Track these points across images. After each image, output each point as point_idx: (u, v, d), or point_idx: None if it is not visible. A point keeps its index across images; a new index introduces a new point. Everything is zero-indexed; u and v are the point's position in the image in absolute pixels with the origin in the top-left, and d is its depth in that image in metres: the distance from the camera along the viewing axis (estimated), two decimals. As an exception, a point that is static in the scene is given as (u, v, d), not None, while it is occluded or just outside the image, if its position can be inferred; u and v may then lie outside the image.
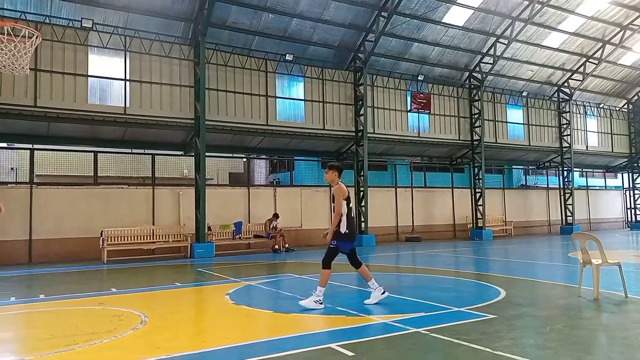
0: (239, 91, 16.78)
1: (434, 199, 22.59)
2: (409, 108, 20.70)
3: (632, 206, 28.96)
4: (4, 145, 16.47)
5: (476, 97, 22.20)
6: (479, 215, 22.04)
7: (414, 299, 7.28)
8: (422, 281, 9.47)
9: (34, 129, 14.53)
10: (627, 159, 28.74)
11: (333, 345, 4.52)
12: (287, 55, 17.51)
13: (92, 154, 15.68)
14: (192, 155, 16.08)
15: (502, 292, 7.39)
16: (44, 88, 13.78)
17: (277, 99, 17.70)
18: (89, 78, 14.49)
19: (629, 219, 29.15)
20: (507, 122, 24.00)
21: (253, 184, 21.60)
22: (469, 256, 14.57)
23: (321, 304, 6.31)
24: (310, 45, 18.06)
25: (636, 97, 28.45)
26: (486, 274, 10.52)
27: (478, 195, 22.17)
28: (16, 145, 16.47)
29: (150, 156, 16.59)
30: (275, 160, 26.01)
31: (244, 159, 22.71)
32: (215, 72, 16.36)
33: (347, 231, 6.49)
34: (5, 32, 7.02)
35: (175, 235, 15.58)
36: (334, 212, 6.50)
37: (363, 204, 18.75)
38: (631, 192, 29.15)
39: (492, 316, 5.72)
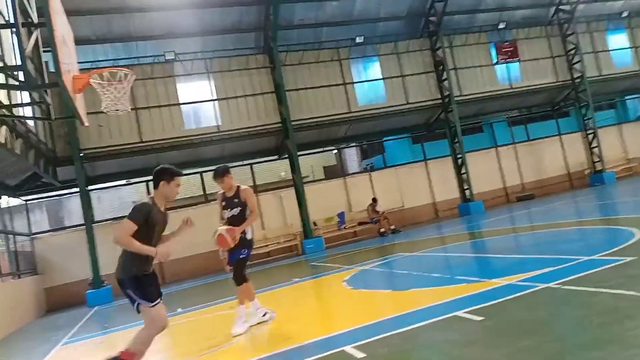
0: (317, 85, 16.98)
1: (541, 151, 20.99)
2: (495, 61, 19.47)
3: None
4: (123, 182, 18.28)
5: (569, 32, 20.23)
6: (596, 159, 20.12)
7: (537, 255, 6.85)
8: (543, 237, 8.87)
9: (145, 163, 15.92)
10: None
11: (459, 313, 4.40)
12: (357, 38, 17.35)
13: (199, 174, 16.80)
14: (286, 158, 16.62)
15: (637, 232, 6.68)
16: (145, 124, 15.06)
17: (355, 85, 17.63)
18: (181, 106, 15.57)
19: None
20: (610, 50, 21.58)
21: (347, 173, 21.73)
22: (592, 203, 13.38)
23: (264, 315, 5.75)
24: (379, 22, 17.72)
25: None
26: (615, 217, 9.59)
27: (591, 137, 20.24)
28: (132, 180, 18.16)
29: (249, 166, 17.39)
30: (364, 146, 25.93)
31: (334, 151, 22.94)
32: (292, 72, 16.70)
33: (252, 237, 5.79)
34: (105, 78, 7.82)
35: (285, 236, 16.21)
36: (244, 218, 5.57)
37: (463, 170, 18.02)
38: None
39: (631, 258, 5.18)
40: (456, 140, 18.11)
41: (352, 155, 27.96)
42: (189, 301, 9.30)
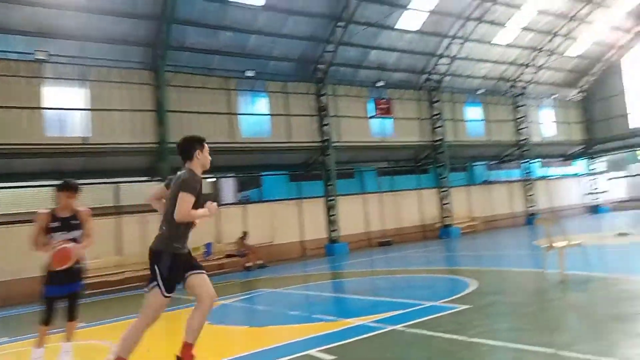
0: (202, 111, 16.66)
1: (402, 202, 22.87)
2: (371, 114, 21.04)
3: (591, 191, 30.09)
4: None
5: (435, 99, 22.75)
6: (446, 214, 22.48)
7: (389, 298, 7.37)
8: (396, 281, 9.59)
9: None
10: (581, 146, 29.92)
11: (312, 352, 4.54)
12: (247, 71, 17.55)
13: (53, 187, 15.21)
14: (158, 180, 15.82)
15: (473, 283, 7.58)
16: (-1, 124, 13.35)
17: (240, 116, 17.69)
18: (44, 111, 14.12)
19: (588, 204, 30.23)
20: (466, 120, 24.67)
21: (221, 203, 21.37)
22: (440, 254, 14.84)
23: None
24: (271, 60, 18.16)
25: (586, 86, 29.72)
26: (457, 268, 10.76)
27: (444, 194, 22.63)
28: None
29: (114, 185, 16.21)
30: (243, 178, 25.85)
31: (211, 180, 22.49)
32: (177, 94, 16.20)
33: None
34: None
35: (145, 263, 15.15)
36: (80, 241, 4.93)
37: (333, 212, 18.86)
38: (588, 178, 30.29)
39: (465, 306, 5.86)
40: (330, 182, 18.97)
41: (228, 186, 27.62)
42: (17, 329, 8.19)
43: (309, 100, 19.21)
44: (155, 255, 3.97)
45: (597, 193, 29.98)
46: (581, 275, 7.04)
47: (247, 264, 15.82)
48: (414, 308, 6.12)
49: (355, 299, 7.88)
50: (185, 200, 3.84)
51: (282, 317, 6.80)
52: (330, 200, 18.96)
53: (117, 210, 15.91)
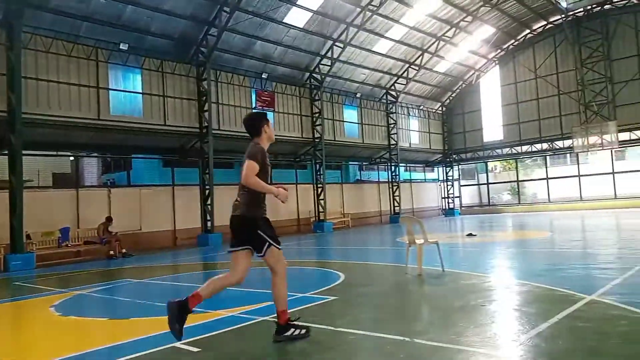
0: (64, 81, 15.00)
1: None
2: (254, 106, 20.84)
3: (446, 196, 33.52)
4: None
5: (316, 97, 23.34)
6: (320, 209, 23.25)
7: (261, 290, 7.35)
8: (268, 273, 9.61)
9: None
10: (441, 155, 33.13)
11: (177, 344, 4.34)
12: (121, 44, 16.20)
13: None
14: (5, 154, 13.87)
15: (341, 275, 7.92)
16: None
17: (110, 92, 16.26)
18: None
19: (444, 207, 33.65)
20: (344, 121, 25.73)
21: (83, 185, 19.56)
22: (312, 247, 15.29)
23: None
24: (149, 35, 16.98)
25: (448, 101, 32.94)
26: (327, 261, 11.16)
27: (319, 190, 23.37)
28: None
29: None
30: (109, 159, 23.88)
31: (71, 158, 20.40)
32: (35, 58, 14.37)
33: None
34: None
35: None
36: None
37: (209, 202, 18.32)
38: (445, 183, 33.71)
39: (333, 298, 6.09)
40: (207, 171, 18.38)
41: (92, 166, 25.31)
42: None
43: (188, 83, 18.40)
44: (250, 220, 4.38)
45: (451, 197, 33.41)
46: (436, 270, 7.76)
47: (111, 252, 14.67)
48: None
49: (226, 290, 7.73)
50: (249, 167, 4.16)
51: (148, 308, 6.42)
52: (207, 189, 18.37)
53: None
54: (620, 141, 25.71)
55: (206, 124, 18.31)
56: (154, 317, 5.79)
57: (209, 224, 18.18)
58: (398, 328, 4.52)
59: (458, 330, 4.31)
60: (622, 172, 28.12)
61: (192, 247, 17.48)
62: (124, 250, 14.97)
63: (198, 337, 4.54)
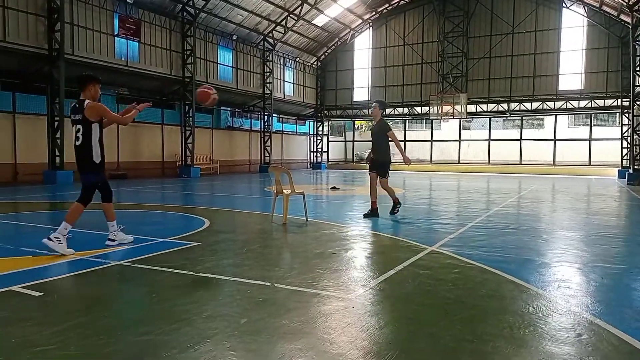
0: None
1: (142, 134, 21.65)
2: (116, 32, 18.81)
3: (314, 150, 34.61)
4: None
5: (189, 33, 21.88)
6: (187, 154, 22.37)
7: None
8: (127, 217, 9.06)
9: None
10: (313, 109, 33.85)
11: (16, 288, 3.91)
12: None
13: None
14: None
15: (206, 222, 7.79)
16: None
17: None
18: None
19: (312, 160, 34.79)
20: (218, 63, 24.65)
21: None
22: (177, 192, 14.75)
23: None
24: None
25: (323, 56, 33.40)
26: (192, 207, 10.89)
27: (188, 133, 22.39)
28: None
29: None
30: None
31: None
32: None
33: (101, 160, 5.59)
34: None
35: None
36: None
37: (58, 135, 16.39)
38: (315, 137, 34.70)
39: (195, 243, 5.98)
40: (57, 100, 16.32)
41: None
42: None
43: (37, -5, 15.85)
44: (384, 164, 8.58)
45: (319, 152, 34.60)
46: (300, 220, 8.05)
47: None
48: (143, 244, 5.91)
49: (76, 233, 7.12)
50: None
51: (-25, 250, 5.63)
52: (56, 120, 16.36)
53: None
54: (468, 112, 28.83)
55: (57, 47, 16.09)
56: (-15, 259, 5.12)
57: (57, 159, 16.36)
58: (259, 273, 4.63)
59: (315, 275, 4.56)
60: (467, 140, 31.77)
61: (37, 184, 15.67)
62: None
63: (40, 281, 4.14)
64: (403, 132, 33.16)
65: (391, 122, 35.19)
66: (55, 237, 5.18)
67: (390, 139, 8.64)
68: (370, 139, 8.88)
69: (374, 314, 3.55)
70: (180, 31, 21.85)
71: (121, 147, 20.38)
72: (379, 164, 8.65)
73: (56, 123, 16.37)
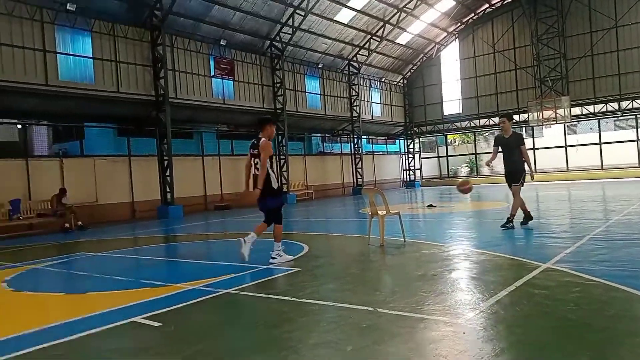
0: (7, 43, 14.00)
1: (241, 166, 22.70)
2: (212, 73, 20.23)
3: (407, 168, 34.06)
4: None
5: (277, 66, 22.88)
6: (283, 181, 23.13)
7: (224, 262, 7.29)
8: (232, 245, 9.51)
9: None
10: (402, 127, 33.47)
11: (137, 319, 4.22)
12: (68, 4, 15.20)
13: None
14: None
15: (305, 247, 7.92)
16: None
17: (58, 55, 15.33)
18: None
19: (405, 179, 34.23)
20: (306, 92, 25.43)
21: (32, 155, 18.61)
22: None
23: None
24: (98, -4, 16.02)
25: (409, 73, 33.09)
26: (291, 233, 11.13)
27: (282, 162, 23.19)
28: None
29: None
30: (60, 127, 22.76)
31: (19, 126, 19.30)
32: (-28, 18, 13.32)
33: (279, 185, 6.69)
34: None
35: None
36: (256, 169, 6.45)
37: (168, 173, 17.83)
38: (406, 156, 34.19)
39: (297, 269, 6.08)
40: (165, 141, 17.82)
41: (41, 135, 24.04)
42: None
43: (142, 48, 17.59)
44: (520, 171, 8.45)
45: (412, 169, 33.98)
46: (398, 241, 7.88)
47: (66, 225, 14.13)
48: (248, 271, 6.14)
49: (188, 263, 7.61)
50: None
51: (106, 282, 6.22)
52: (165, 159, 17.83)
53: None
54: (572, 116, 26.70)
55: (162, 92, 17.65)
56: (110, 291, 5.63)
57: (168, 195, 17.76)
58: (361, 298, 4.56)
59: (419, 299, 4.39)
60: (574, 145, 29.35)
61: (152, 219, 17.09)
62: (79, 223, 14.45)
63: (158, 311, 4.43)
64: (500, 142, 31.44)
65: (486, 133, 33.82)
66: (275, 256, 6.49)
67: (521, 152, 8.64)
68: (500, 150, 8.84)
69: (488, 340, 3.31)
70: (270, 66, 22.94)
71: (223, 180, 21.62)
72: (516, 172, 8.62)
73: (165, 162, 17.85)
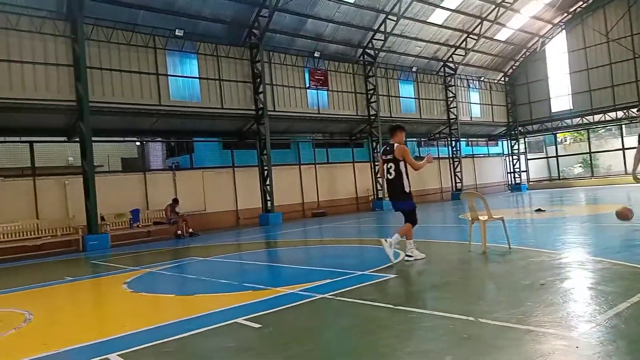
0: (126, 69, 15.62)
1: (336, 174, 23.11)
2: (307, 85, 20.79)
3: (512, 170, 32.07)
4: None
5: (370, 73, 22.89)
6: (378, 187, 23.00)
7: (320, 268, 7.39)
8: (328, 251, 9.67)
9: None
10: (505, 128, 31.63)
11: (240, 320, 4.42)
12: (176, 30, 16.60)
13: None
14: (77, 141, 14.74)
15: (401, 253, 7.76)
16: None
17: (169, 77, 16.77)
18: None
19: (510, 182, 32.26)
20: (399, 96, 25.11)
21: (149, 168, 20.48)
22: (371, 225, 15.18)
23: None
24: (201, 20, 17.26)
25: (511, 70, 31.25)
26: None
27: (377, 168, 23.08)
28: None
29: (28, 144, 14.92)
30: (172, 143, 24.84)
31: (137, 143, 21.38)
32: (98, 49, 15.03)
33: (410, 189, 7.08)
34: None
35: (65, 229, 14.33)
36: (391, 174, 6.97)
37: (268, 182, 18.62)
38: (510, 157, 32.23)
39: (392, 276, 5.98)
40: (265, 152, 18.65)
41: (157, 151, 26.41)
42: None
43: (242, 66, 18.59)
44: None
45: (517, 172, 31.94)
46: (502, 248, 7.42)
47: (178, 232, 15.34)
48: (344, 277, 6.16)
49: (287, 268, 7.85)
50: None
51: (212, 285, 6.62)
52: (265, 169, 18.65)
53: (34, 172, 14.74)
54: None
55: (261, 106, 18.50)
56: (217, 293, 5.97)
57: (268, 203, 18.51)
58: (461, 307, 4.35)
59: (526, 309, 4.08)
60: None
61: (254, 226, 17.91)
62: (190, 230, 15.60)
63: (259, 314, 4.60)
64: (620, 139, 28.49)
65: (602, 130, 30.74)
66: (409, 254, 6.93)
67: None
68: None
69: (606, 356, 2.97)
70: (363, 73, 23.03)
71: (319, 187, 22.07)
72: None
73: (265, 172, 18.66)
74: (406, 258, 6.90)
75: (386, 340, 3.62)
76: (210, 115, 17.74)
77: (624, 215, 7.97)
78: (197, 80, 17.53)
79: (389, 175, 6.94)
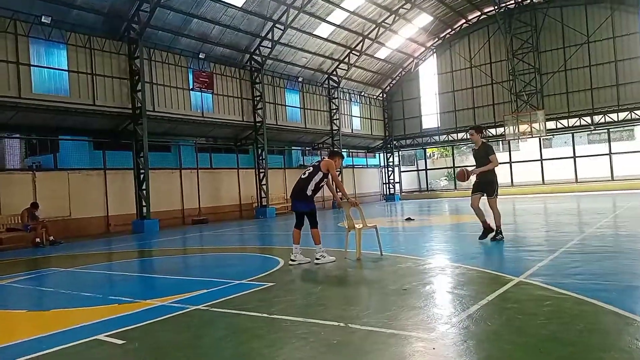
0: (-22, 55, 13.71)
1: (220, 180, 22.61)
2: (191, 86, 20.10)
3: (387, 181, 34.23)
4: None
5: (257, 80, 22.88)
6: (263, 194, 22.98)
7: (196, 278, 7.14)
8: (207, 260, 9.38)
9: None
10: (382, 141, 33.71)
11: (101, 336, 4.07)
12: (43, 17, 14.99)
13: None
14: None
15: (281, 261, 7.82)
16: None
17: (32, 68, 15.06)
18: None
19: (385, 192, 34.37)
20: (286, 105, 25.46)
21: (4, 168, 18.15)
22: (254, 233, 15.08)
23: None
24: (74, 8, 15.83)
25: (389, 87, 33.46)
26: (267, 247, 11.03)
27: (262, 175, 23.06)
28: None
29: None
30: (34, 141, 22.26)
31: (-10, 139, 18.84)
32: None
33: (311, 194, 7.43)
34: None
35: None
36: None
37: (144, 187, 17.54)
38: (385, 169, 34.39)
39: (270, 284, 5.97)
40: (142, 154, 17.55)
41: (14, 148, 23.47)
42: None
43: (119, 61, 17.41)
44: (493, 182, 8.60)
45: (392, 183, 34.14)
46: (374, 254, 7.83)
47: (37, 240, 13.74)
48: (221, 287, 6.01)
49: (159, 279, 7.44)
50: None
51: (72, 299, 6.02)
52: (142, 173, 17.54)
53: None
54: (547, 129, 27.25)
55: (139, 105, 17.44)
56: (77, 307, 5.44)
57: (144, 209, 17.43)
58: (334, 313, 4.49)
59: (391, 314, 4.34)
60: (549, 159, 29.92)
61: (127, 233, 16.75)
62: (51, 238, 14.08)
63: (123, 329, 4.28)
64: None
65: (464, 147, 34.23)
66: (319, 257, 7.33)
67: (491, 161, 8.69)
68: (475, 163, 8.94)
69: (458, 356, 3.27)
70: (249, 79, 22.92)
71: (201, 193, 21.38)
72: (486, 184, 8.63)
73: (142, 175, 17.55)
74: (315, 261, 7.29)
75: (260, 351, 3.59)
76: (79, 112, 16.26)
77: (461, 175, 8.99)
78: (66, 72, 15.99)
79: (302, 175, 7.48)
